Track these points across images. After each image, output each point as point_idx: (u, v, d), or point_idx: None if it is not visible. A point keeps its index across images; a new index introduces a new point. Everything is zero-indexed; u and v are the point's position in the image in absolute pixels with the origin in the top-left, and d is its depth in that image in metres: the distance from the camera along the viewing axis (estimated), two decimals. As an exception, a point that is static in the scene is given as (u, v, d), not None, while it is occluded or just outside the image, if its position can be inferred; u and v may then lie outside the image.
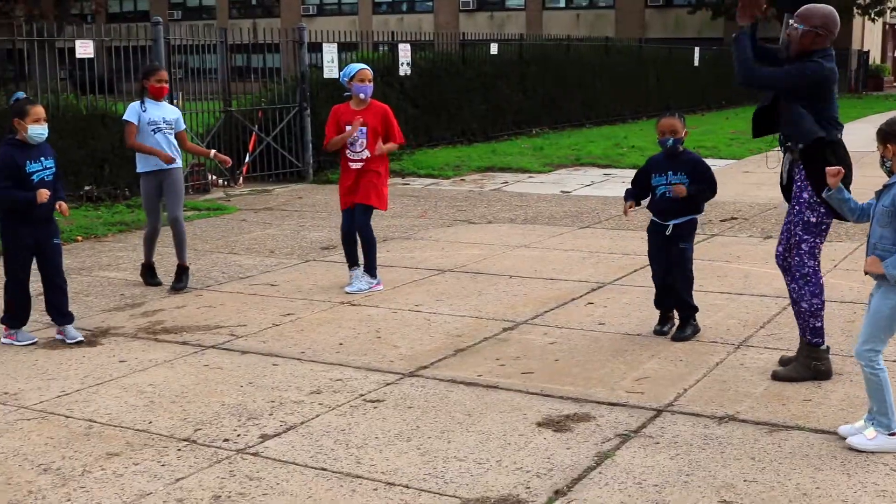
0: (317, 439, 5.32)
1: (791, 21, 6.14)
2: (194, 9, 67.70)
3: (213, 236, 11.88)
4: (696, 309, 7.22)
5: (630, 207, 7.47)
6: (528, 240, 11.31)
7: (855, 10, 48.58)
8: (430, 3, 60.95)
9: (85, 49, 13.78)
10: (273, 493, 4.66)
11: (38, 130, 7.18)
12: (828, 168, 5.35)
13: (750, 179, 16.42)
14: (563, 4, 58.03)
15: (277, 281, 9.35)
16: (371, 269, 8.90)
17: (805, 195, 6.09)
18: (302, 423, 5.58)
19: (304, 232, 12.16)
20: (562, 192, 15.64)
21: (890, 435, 4.96)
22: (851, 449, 5.00)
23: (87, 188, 13.99)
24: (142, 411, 5.83)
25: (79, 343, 7.29)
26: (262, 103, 17.52)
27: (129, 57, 14.98)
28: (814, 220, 6.09)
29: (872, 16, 49.88)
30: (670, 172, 7.21)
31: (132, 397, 6.09)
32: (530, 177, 17.58)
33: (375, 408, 5.81)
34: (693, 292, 7.25)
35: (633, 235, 11.27)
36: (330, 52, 17.88)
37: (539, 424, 5.50)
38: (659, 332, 7.24)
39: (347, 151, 8.79)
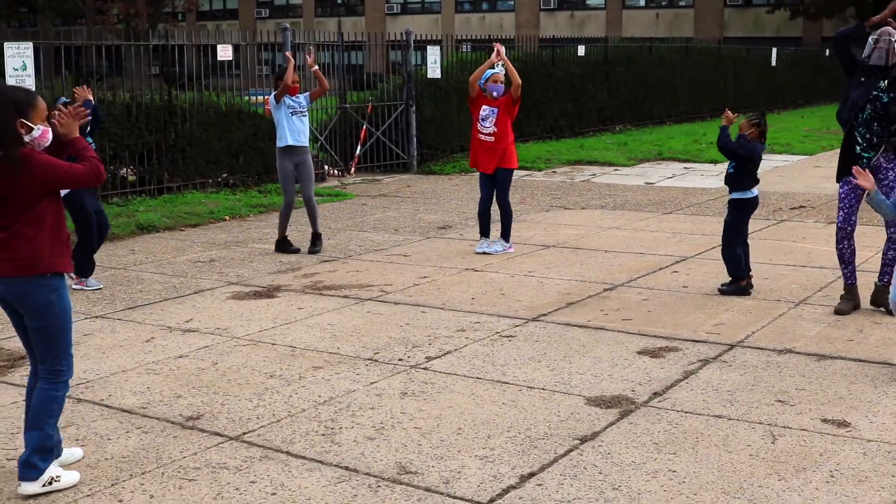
0: (469, 360, 7.02)
1: (886, 34, 7.69)
2: (281, 7, 69.59)
3: (342, 217, 13.65)
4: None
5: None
6: (618, 223, 12.92)
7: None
8: (512, 3, 61.98)
9: (225, 52, 15.63)
10: (445, 391, 6.36)
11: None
12: (855, 169, 6.91)
13: (820, 174, 17.79)
14: (642, 4, 58.78)
15: (408, 252, 11.07)
16: (506, 236, 10.83)
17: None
18: (455, 349, 7.28)
19: (419, 214, 13.87)
20: (646, 183, 17.20)
21: None
22: (881, 372, 6.57)
23: (224, 175, 15.83)
24: (328, 341, 7.58)
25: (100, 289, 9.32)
26: (370, 100, 19.28)
27: (199, 55, 16.45)
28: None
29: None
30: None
31: (317, 332, 7.84)
32: (616, 169, 19.15)
33: (510, 340, 7.50)
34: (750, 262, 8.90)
35: (710, 220, 12.82)
36: (433, 54, 19.58)
37: (638, 353, 7.14)
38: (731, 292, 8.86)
39: (478, 125, 10.67)
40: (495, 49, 10.96)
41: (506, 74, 10.81)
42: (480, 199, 11.03)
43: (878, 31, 7.79)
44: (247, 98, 16.58)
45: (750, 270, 8.89)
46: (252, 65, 18.05)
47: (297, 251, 11.10)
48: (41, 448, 4.86)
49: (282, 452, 5.39)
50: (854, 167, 6.99)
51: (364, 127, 18.77)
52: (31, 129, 4.68)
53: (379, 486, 4.93)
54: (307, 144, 11.22)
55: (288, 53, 11.27)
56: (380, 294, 9.09)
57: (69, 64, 14.52)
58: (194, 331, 7.93)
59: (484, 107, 10.72)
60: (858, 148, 7.90)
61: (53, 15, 55.34)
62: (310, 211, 11.23)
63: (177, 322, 8.20)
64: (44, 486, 4.84)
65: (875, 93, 7.88)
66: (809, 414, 5.86)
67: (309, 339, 7.62)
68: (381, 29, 54.11)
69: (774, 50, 35.54)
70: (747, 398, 6.15)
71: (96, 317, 8.42)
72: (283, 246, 11.18)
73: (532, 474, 5.06)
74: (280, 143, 11.06)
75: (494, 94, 10.69)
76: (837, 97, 39.95)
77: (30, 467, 4.84)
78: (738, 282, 8.79)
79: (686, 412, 5.91)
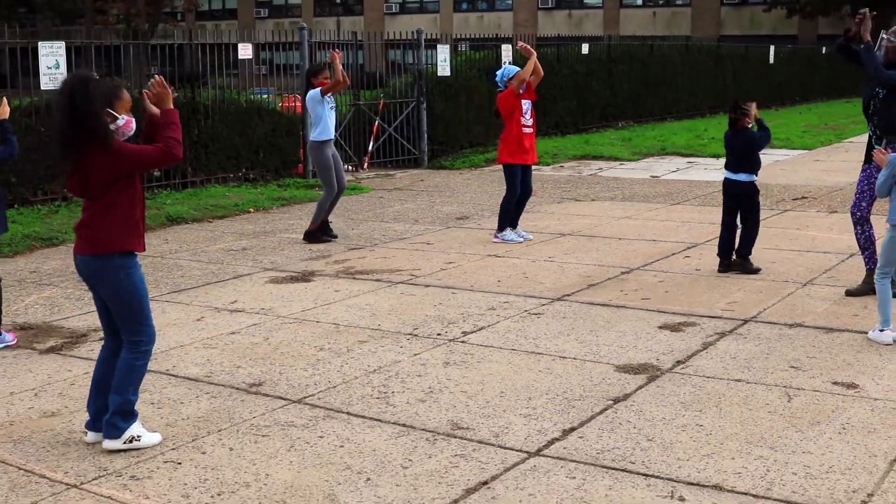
0: (503, 335, 7.56)
1: (886, 36, 8.26)
2: (280, 7, 69.95)
3: (362, 209, 14.19)
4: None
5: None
6: (628, 213, 13.47)
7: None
8: (510, 2, 62.40)
9: (245, 51, 16.16)
10: (484, 361, 6.91)
11: None
12: (876, 150, 7.47)
13: (819, 167, 18.36)
14: (640, 2, 59.27)
15: (431, 241, 11.61)
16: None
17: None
18: (489, 325, 7.83)
19: (436, 206, 14.41)
20: (651, 176, 17.76)
21: (881, 331, 7.09)
22: (870, 339, 7.13)
23: (244, 170, 16.36)
24: (369, 319, 8.12)
25: None
26: (382, 97, 19.80)
27: (218, 53, 16.65)
28: None
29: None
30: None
31: (357, 311, 8.38)
32: (621, 164, 19.71)
33: (539, 317, 8.04)
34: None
35: (716, 210, 13.34)
36: (443, 53, 20.12)
37: (659, 327, 7.69)
38: (724, 271, 9.45)
39: (522, 119, 11.28)
40: (522, 47, 11.56)
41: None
42: (512, 192, 11.42)
43: (886, 32, 8.36)
44: (265, 96, 17.08)
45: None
46: (261, 63, 18.55)
47: (333, 239, 11.62)
48: (121, 411, 5.38)
49: (342, 413, 5.93)
50: (875, 150, 7.57)
51: (377, 123, 19.30)
52: (116, 118, 5.21)
53: (436, 440, 5.47)
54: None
55: (335, 52, 11.77)
56: (410, 278, 9.62)
57: (99, 63, 15.03)
58: (241, 311, 8.47)
59: (524, 101, 11.30)
60: (874, 139, 8.46)
61: (53, 15, 55.69)
62: (337, 200, 11.80)
63: (222, 303, 8.73)
64: (125, 443, 5.37)
65: (876, 89, 8.44)
66: (821, 378, 6.41)
67: (350, 318, 8.16)
68: (380, 28, 54.58)
69: (772, 48, 36.12)
70: (763, 365, 6.69)
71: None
72: (320, 234, 11.62)
73: (573, 429, 5.60)
74: (323, 137, 11.59)
75: (521, 90, 11.25)
76: (833, 94, 40.61)
77: (112, 427, 5.37)
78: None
79: (708, 377, 6.46)
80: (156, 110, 5.38)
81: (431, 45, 20.31)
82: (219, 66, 16.32)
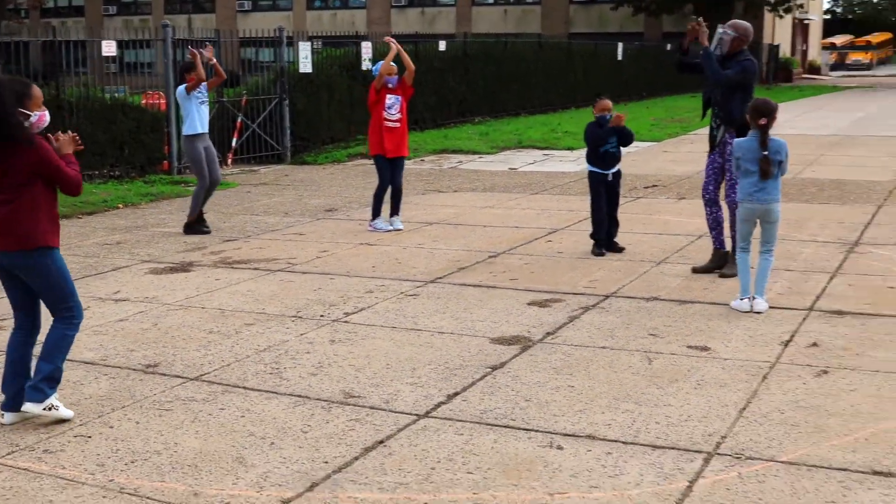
0: (382, 314, 8.01)
1: (723, 29, 8.95)
2: (128, 4, 68.82)
3: (231, 203, 14.43)
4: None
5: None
6: (490, 203, 14.06)
7: (765, 7, 52.24)
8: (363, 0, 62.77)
9: (109, 48, 16.20)
10: (368, 338, 7.34)
11: None
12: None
13: (668, 158, 19.33)
14: (491, 0, 60.37)
15: (303, 231, 11.97)
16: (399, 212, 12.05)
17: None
18: (368, 306, 8.26)
19: (304, 200, 14.75)
20: (510, 168, 18.42)
21: (740, 300, 7.80)
22: (732, 308, 7.82)
23: (110, 167, 16.39)
24: (252, 304, 8.46)
25: None
26: (245, 94, 19.99)
27: (68, 51, 16.72)
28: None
29: (781, 12, 53.46)
30: (607, 137, 10.03)
31: (240, 297, 8.71)
32: (480, 157, 20.34)
33: (415, 298, 8.51)
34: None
35: (573, 198, 14.07)
36: (305, 50, 20.41)
37: (528, 304, 8.24)
38: (599, 254, 10.05)
39: (385, 113, 11.55)
40: (390, 43, 11.97)
41: (400, 63, 11.77)
42: (381, 183, 11.87)
43: (723, 25, 9.07)
44: (119, 95, 17.13)
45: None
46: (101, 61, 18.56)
47: (209, 232, 11.87)
48: (50, 377, 5.67)
49: (239, 388, 6.29)
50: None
51: (240, 119, 19.48)
52: (29, 115, 5.48)
53: (331, 407, 5.89)
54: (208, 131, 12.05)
55: (193, 50, 12.03)
56: (287, 266, 9.98)
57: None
58: (125, 300, 8.70)
59: (389, 96, 11.68)
60: (715, 129, 9.16)
61: None
62: (211, 193, 12.06)
63: (106, 293, 8.95)
64: (44, 409, 5.65)
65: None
66: (677, 343, 7.04)
67: (234, 303, 8.49)
68: (232, 26, 54.31)
69: (620, 45, 37.40)
70: (624, 333, 7.30)
71: (27, 292, 9.08)
72: (197, 227, 11.88)
73: (456, 394, 6.09)
74: (191, 131, 11.84)
75: (390, 84, 11.65)
76: (678, 89, 42.21)
77: (37, 391, 5.64)
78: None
79: (575, 345, 7.03)
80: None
81: (290, 42, 20.56)
82: (68, 64, 16.25)
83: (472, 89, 27.27)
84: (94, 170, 16.05)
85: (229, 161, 19.23)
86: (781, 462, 4.97)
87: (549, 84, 31.63)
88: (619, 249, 10.15)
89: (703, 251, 9.89)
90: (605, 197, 10.19)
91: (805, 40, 71.84)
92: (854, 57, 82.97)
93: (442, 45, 25.91)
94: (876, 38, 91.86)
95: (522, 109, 30.10)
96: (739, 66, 8.91)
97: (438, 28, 57.68)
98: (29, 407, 5.64)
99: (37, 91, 5.60)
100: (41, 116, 5.55)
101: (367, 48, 22.31)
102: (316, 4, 64.68)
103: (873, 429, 5.38)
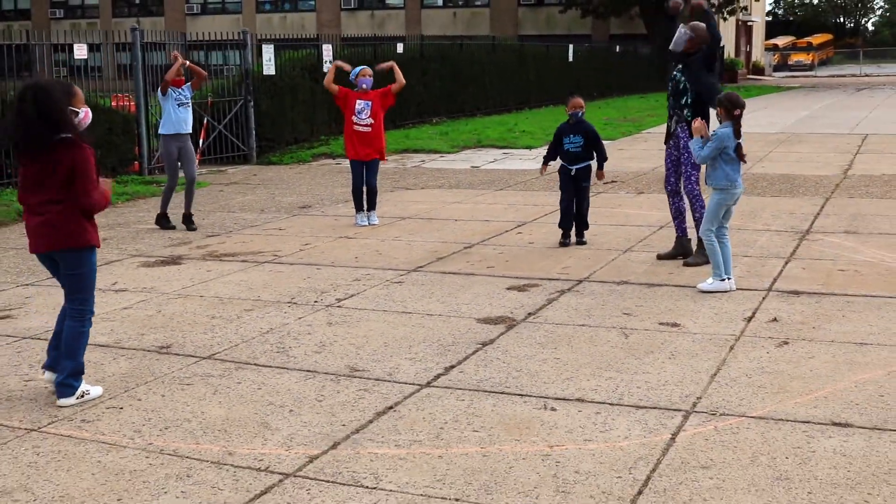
0: (372, 300, 8.56)
1: (684, 29, 9.57)
2: (76, 7, 68.56)
3: (207, 202, 14.88)
4: (588, 226, 10.70)
5: (545, 169, 10.89)
6: (458, 198, 14.64)
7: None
8: (313, 2, 63.04)
9: (81, 52, 16.57)
10: (363, 321, 7.89)
11: None
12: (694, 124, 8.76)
13: (624, 155, 20.03)
14: (440, 3, 60.96)
15: (282, 227, 12.48)
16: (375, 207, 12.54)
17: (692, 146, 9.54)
18: (358, 293, 8.81)
19: (277, 197, 15.25)
20: (472, 166, 19.02)
21: (721, 280, 8.43)
22: (701, 291, 8.46)
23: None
24: (247, 292, 8.97)
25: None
26: (210, 96, 20.41)
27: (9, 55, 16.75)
28: (692, 168, 9.51)
29: (725, 14, 54.62)
30: (572, 135, 10.64)
31: (234, 286, 9.21)
32: (442, 156, 20.93)
33: (401, 285, 9.07)
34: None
35: (538, 194, 14.69)
36: (268, 53, 20.88)
37: (507, 289, 8.84)
38: (564, 244, 10.66)
39: (354, 118, 11.99)
40: (389, 65, 12.56)
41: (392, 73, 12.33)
42: (353, 183, 12.41)
43: (684, 26, 9.71)
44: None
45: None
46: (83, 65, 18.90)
47: (174, 228, 12.36)
48: (75, 372, 6.14)
49: (251, 364, 6.81)
50: (694, 120, 8.84)
51: (206, 121, 19.89)
52: (77, 112, 5.97)
53: (339, 380, 6.43)
54: (189, 132, 12.49)
55: (175, 53, 12.54)
56: (273, 258, 10.49)
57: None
58: (125, 290, 9.18)
59: (358, 101, 12.18)
60: (675, 119, 9.80)
61: None
62: (190, 191, 12.53)
63: (104, 285, 9.39)
64: (77, 398, 6.13)
65: (674, 73, 9.82)
66: (649, 320, 7.67)
67: (230, 292, 8.99)
68: (181, 29, 54.46)
69: (571, 47, 38.17)
70: (600, 313, 7.92)
71: (27, 285, 9.53)
72: (163, 222, 12.41)
73: (452, 367, 6.65)
74: (165, 131, 12.32)
75: (364, 86, 12.17)
76: (627, 90, 43.10)
77: (66, 387, 6.11)
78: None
79: (556, 324, 7.63)
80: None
81: (243, 44, 20.90)
82: (8, 69, 16.41)
83: (430, 90, 27.84)
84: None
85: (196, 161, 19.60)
86: (752, 417, 5.59)
87: (502, 85, 32.31)
88: (582, 243, 10.71)
89: (665, 240, 10.53)
90: (571, 190, 10.80)
91: (748, 42, 73.29)
92: (796, 58, 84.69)
93: (400, 48, 26.47)
94: (817, 39, 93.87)
95: (478, 110, 30.73)
96: (700, 53, 9.56)
97: (388, 30, 58.24)
98: (63, 402, 6.09)
99: (79, 91, 6.08)
100: (86, 113, 6.04)
101: (327, 51, 22.81)
102: (265, 7, 64.84)
103: (831, 388, 6.03)
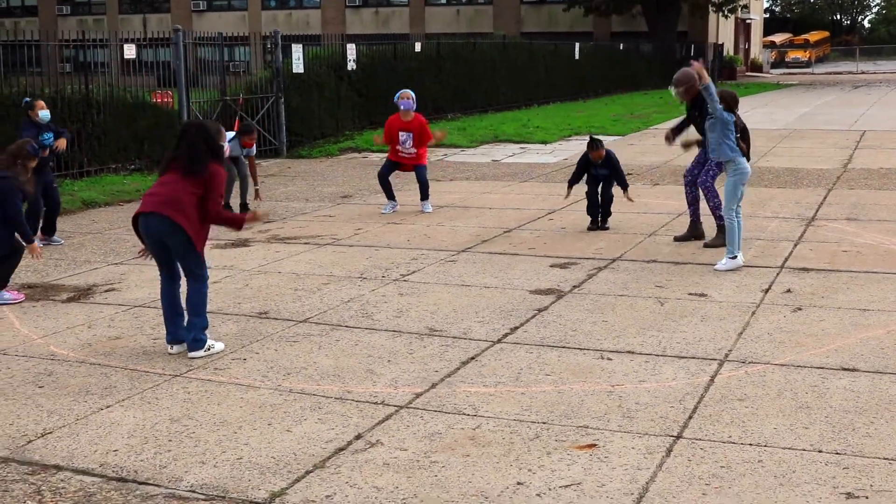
0: (433, 275, 9.72)
1: (675, 90, 10.67)
2: (83, 4, 69.36)
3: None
4: (611, 213, 11.93)
5: (570, 192, 12.06)
6: (487, 189, 15.80)
7: (710, 8, 54.58)
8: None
9: (130, 51, 17.72)
10: (429, 292, 9.04)
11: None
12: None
13: (635, 150, 21.20)
14: (444, 1, 61.92)
15: (331, 214, 13.64)
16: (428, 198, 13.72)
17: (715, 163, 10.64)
18: (418, 269, 9.97)
19: (317, 188, 16.40)
20: (493, 160, 20.19)
21: (732, 258, 9.61)
22: (717, 270, 9.63)
23: (134, 160, 17.90)
24: (319, 269, 10.13)
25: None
26: (241, 94, 21.54)
27: (21, 52, 17.59)
28: (715, 166, 10.65)
29: (725, 13, 55.81)
30: (599, 168, 11.86)
31: (305, 264, 10.37)
32: (462, 150, 22.09)
33: (454, 263, 10.24)
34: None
35: (560, 185, 15.81)
36: (297, 52, 22.02)
37: (550, 266, 10.01)
38: (592, 229, 11.85)
39: (399, 147, 13.34)
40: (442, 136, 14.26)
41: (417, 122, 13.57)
42: (383, 170, 13.62)
43: (672, 88, 10.76)
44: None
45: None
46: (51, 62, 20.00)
47: None
48: (202, 327, 7.31)
49: (342, 326, 7.98)
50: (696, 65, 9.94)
51: (238, 118, 21.01)
52: (223, 146, 7.30)
53: (422, 338, 7.60)
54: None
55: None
56: (333, 241, 11.65)
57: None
58: (208, 268, 10.30)
59: (401, 133, 13.41)
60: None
61: None
62: (244, 184, 13.75)
63: (188, 264, 10.54)
64: (205, 351, 7.29)
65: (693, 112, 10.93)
66: (680, 291, 8.84)
67: (303, 269, 10.15)
68: (187, 26, 55.35)
69: (577, 45, 39.32)
70: (636, 286, 9.09)
71: (117, 263, 10.68)
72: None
73: (516, 328, 7.82)
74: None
75: (402, 106, 13.35)
76: (631, 87, 44.27)
77: (198, 342, 7.27)
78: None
79: (600, 294, 8.80)
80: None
81: (245, 42, 21.97)
82: (21, 65, 17.31)
83: (445, 87, 29.00)
84: (119, 162, 17.57)
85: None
86: (775, 364, 6.77)
87: (513, 82, 33.47)
88: (605, 228, 11.91)
89: (685, 226, 11.69)
90: (595, 186, 12.00)
91: (747, 39, 74.42)
92: (793, 55, 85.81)
93: (417, 47, 27.62)
94: (814, 36, 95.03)
95: (490, 106, 31.88)
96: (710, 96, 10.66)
97: (392, 28, 59.34)
98: (195, 354, 7.25)
99: (223, 129, 7.46)
100: (228, 147, 7.37)
101: (351, 50, 23.96)
102: (271, 4, 65.65)
103: (840, 343, 7.20)
